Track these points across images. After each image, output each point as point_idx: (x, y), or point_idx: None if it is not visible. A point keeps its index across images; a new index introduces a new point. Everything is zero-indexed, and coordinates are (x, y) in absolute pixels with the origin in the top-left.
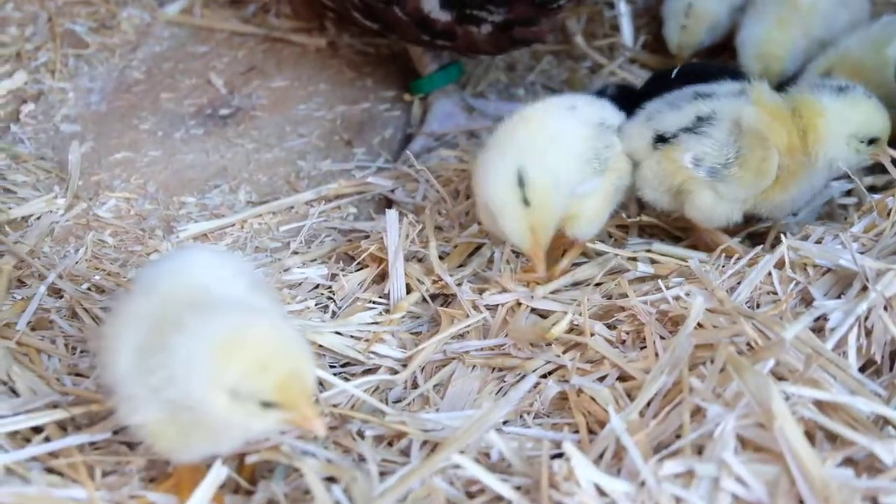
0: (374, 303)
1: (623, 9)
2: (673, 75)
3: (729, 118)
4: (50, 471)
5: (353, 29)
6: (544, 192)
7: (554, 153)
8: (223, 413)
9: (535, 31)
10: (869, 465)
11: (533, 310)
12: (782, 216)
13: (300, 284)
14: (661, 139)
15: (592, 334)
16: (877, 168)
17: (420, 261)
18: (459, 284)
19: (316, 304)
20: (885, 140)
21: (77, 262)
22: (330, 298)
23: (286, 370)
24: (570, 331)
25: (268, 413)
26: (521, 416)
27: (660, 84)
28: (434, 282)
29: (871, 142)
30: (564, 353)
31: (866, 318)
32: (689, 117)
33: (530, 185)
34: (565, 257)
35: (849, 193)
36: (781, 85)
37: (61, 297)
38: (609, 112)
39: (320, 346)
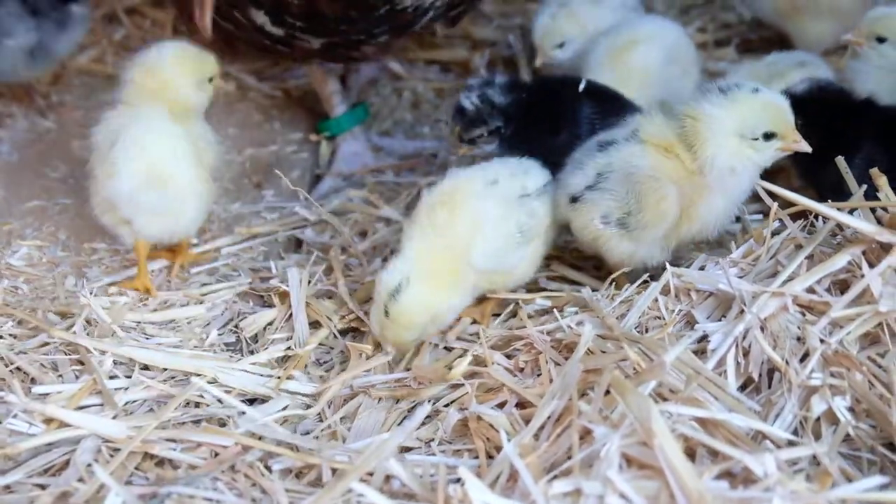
0: (286, 339)
1: (517, 46)
2: (581, 88)
3: (621, 168)
4: None
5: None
6: (405, 317)
7: (472, 244)
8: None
9: (356, 55)
10: (746, 478)
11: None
12: (707, 236)
13: (209, 324)
14: (574, 199)
15: (493, 363)
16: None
17: (330, 297)
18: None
19: (225, 343)
20: (789, 134)
21: None
22: (238, 336)
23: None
24: (471, 361)
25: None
26: (426, 444)
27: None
28: (342, 317)
29: (769, 136)
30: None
31: (744, 339)
32: (591, 175)
33: (397, 303)
34: (488, 305)
35: (737, 220)
36: None
37: None
38: (531, 177)
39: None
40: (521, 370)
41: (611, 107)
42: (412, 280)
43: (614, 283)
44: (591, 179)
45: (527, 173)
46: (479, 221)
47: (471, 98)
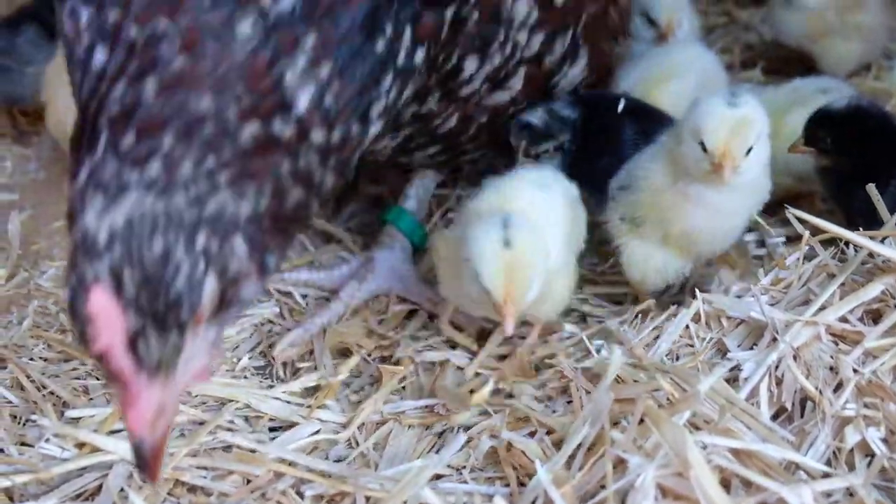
0: (316, 368)
1: None
2: (619, 109)
3: (640, 167)
4: None
5: None
6: (527, 236)
7: (537, 217)
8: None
9: None
10: None
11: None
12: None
13: (237, 347)
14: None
15: (521, 395)
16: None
17: (361, 321)
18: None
19: (255, 367)
20: (722, 149)
21: (21, 332)
22: (268, 360)
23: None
24: (499, 392)
25: None
26: (458, 471)
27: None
28: (375, 346)
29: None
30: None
31: (776, 368)
32: (623, 177)
33: (513, 227)
34: (529, 337)
35: (761, 244)
36: None
37: (5, 367)
38: (571, 186)
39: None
40: (550, 398)
41: (651, 124)
42: (511, 211)
43: (640, 314)
44: (623, 181)
45: (568, 183)
46: (537, 205)
47: (536, 113)
